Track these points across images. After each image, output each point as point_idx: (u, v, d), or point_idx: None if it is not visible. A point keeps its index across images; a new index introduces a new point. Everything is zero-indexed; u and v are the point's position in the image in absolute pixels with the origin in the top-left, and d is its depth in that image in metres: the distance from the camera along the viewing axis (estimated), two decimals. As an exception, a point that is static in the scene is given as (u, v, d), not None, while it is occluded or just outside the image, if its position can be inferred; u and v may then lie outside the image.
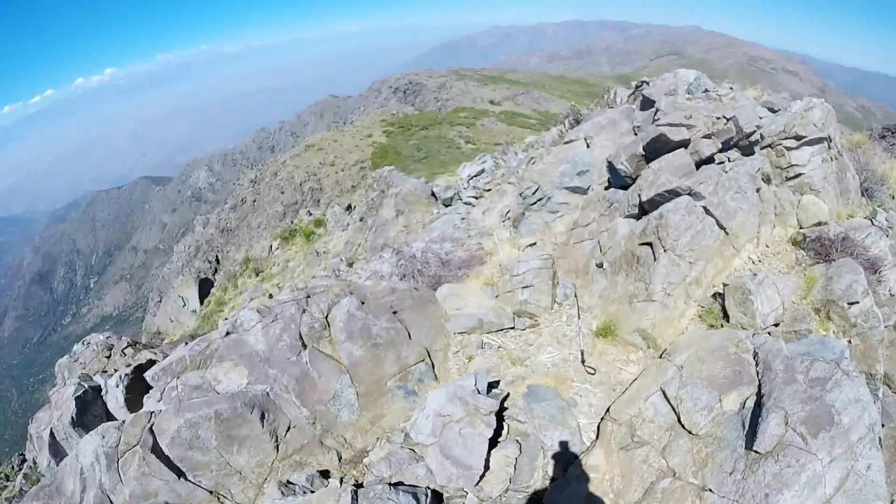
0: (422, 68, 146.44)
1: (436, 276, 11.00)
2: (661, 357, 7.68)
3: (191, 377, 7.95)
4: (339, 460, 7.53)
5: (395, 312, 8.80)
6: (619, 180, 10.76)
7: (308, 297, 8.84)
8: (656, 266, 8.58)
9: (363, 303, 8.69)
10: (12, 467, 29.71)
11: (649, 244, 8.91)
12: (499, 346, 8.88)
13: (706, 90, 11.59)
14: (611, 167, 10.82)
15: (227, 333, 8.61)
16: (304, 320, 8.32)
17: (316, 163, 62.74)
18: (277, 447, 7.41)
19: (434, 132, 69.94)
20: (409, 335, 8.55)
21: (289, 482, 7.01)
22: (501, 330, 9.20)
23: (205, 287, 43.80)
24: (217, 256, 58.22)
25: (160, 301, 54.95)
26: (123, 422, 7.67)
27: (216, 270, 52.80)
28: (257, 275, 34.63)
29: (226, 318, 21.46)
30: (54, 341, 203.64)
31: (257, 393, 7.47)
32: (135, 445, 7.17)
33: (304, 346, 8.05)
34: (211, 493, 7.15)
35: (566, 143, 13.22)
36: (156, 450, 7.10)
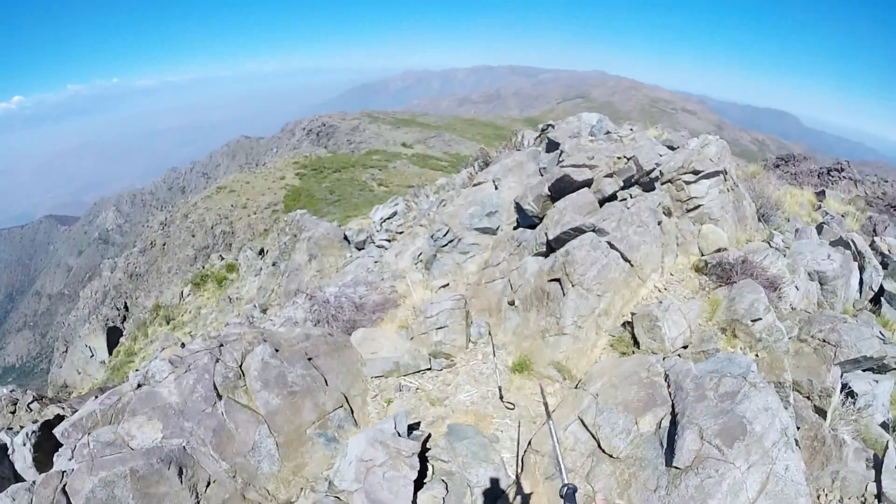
0: (335, 110, 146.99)
1: (350, 321, 10.98)
2: (576, 387, 7.85)
3: (102, 433, 7.55)
4: None
5: (310, 359, 8.72)
6: (526, 220, 11.15)
7: (221, 345, 8.63)
8: (566, 301, 8.84)
9: (277, 350, 8.58)
10: None
11: (558, 280, 9.19)
12: (417, 388, 8.90)
13: (608, 132, 12.19)
14: (518, 208, 11.19)
15: (139, 385, 8.29)
16: (217, 370, 8.11)
17: (228, 205, 61.62)
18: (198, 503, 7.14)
19: (347, 175, 70.00)
20: (326, 381, 8.47)
21: None
22: (418, 371, 9.25)
23: (113, 336, 42.00)
24: (126, 303, 56.00)
25: (66, 351, 52.20)
26: (34, 483, 7.24)
27: (125, 318, 50.77)
28: (168, 322, 33.63)
29: (136, 370, 20.63)
30: None
31: (173, 448, 7.17)
32: None
33: (220, 396, 7.84)
34: None
35: (475, 185, 13.55)
36: None
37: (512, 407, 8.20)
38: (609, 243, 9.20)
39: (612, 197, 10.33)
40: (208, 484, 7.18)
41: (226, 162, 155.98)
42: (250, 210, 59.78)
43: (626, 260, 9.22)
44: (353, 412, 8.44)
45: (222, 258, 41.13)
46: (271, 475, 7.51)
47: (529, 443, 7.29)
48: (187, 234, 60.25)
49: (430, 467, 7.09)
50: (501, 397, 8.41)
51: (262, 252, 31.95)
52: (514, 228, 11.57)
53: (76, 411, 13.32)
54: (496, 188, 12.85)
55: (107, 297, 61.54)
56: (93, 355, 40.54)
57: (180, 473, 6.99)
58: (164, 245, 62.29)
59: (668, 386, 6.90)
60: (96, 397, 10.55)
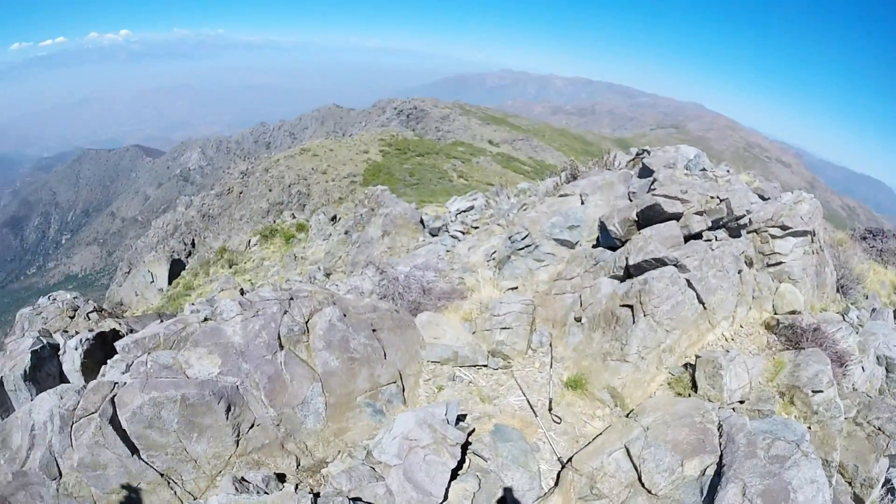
0: (428, 96, 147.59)
1: (416, 303, 11.10)
2: (627, 416, 7.86)
3: (162, 355, 7.84)
4: (297, 466, 7.51)
5: (374, 330, 8.85)
6: (608, 240, 11.01)
7: (291, 298, 8.87)
8: (634, 329, 8.78)
9: (345, 315, 8.74)
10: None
11: (630, 307, 9.13)
12: (470, 382, 8.97)
13: (703, 168, 11.94)
14: (602, 227, 11.05)
15: (206, 319, 8.59)
16: (284, 321, 8.34)
17: (308, 168, 62.67)
18: (238, 442, 7.37)
19: (429, 161, 70.33)
20: (385, 355, 8.60)
21: (243, 479, 6.93)
22: (475, 366, 9.31)
23: (175, 268, 43.40)
24: (194, 240, 57.75)
25: (128, 272, 54.41)
26: (84, 386, 7.56)
27: (190, 254, 52.35)
28: (230, 266, 34.50)
29: (192, 303, 21.31)
30: (14, 290, 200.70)
31: (227, 384, 7.45)
32: (93, 413, 7.03)
33: (282, 346, 8.07)
34: (162, 475, 7.05)
35: (561, 195, 13.45)
36: (114, 422, 6.98)
37: (559, 421, 8.24)
38: (688, 281, 9.09)
39: (698, 235, 10.12)
40: (252, 426, 7.45)
41: (314, 126, 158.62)
42: (329, 176, 60.68)
43: (700, 301, 9.10)
44: (404, 390, 8.60)
45: (294, 217, 41.96)
46: (313, 432, 7.74)
47: (570, 460, 7.32)
48: (264, 188, 61.57)
49: (467, 460, 7.15)
50: (550, 409, 8.44)
51: (334, 218, 32.46)
52: (594, 246, 11.49)
53: (132, 329, 13.96)
54: (582, 203, 12.77)
55: (177, 231, 63.54)
56: (153, 281, 42.03)
57: (228, 410, 7.25)
58: (240, 193, 63.78)
59: (720, 436, 6.84)
60: (161, 321, 10.97)
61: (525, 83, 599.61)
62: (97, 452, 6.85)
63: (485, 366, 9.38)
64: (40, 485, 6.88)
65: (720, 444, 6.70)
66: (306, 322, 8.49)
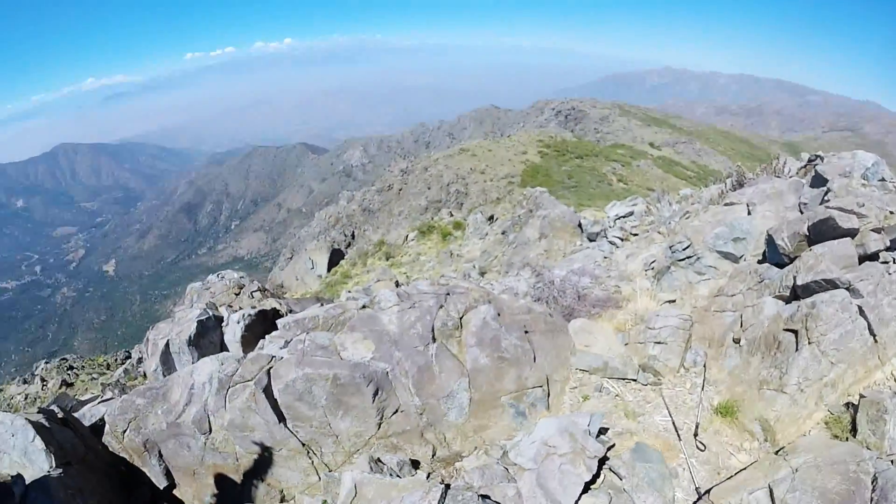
0: (586, 96, 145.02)
1: (569, 308, 11.04)
2: (776, 453, 7.30)
3: (319, 336, 8.50)
4: (433, 456, 7.83)
5: (526, 332, 8.94)
6: (775, 256, 10.19)
7: (448, 294, 9.18)
8: (796, 357, 8.08)
9: (499, 314, 8.90)
10: (116, 360, 32.46)
11: (794, 332, 8.42)
12: (616, 395, 8.79)
13: (883, 178, 10.87)
14: (769, 241, 10.18)
15: (363, 307, 9.19)
16: (439, 315, 8.65)
17: (467, 167, 63.63)
18: (379, 425, 7.79)
19: (588, 163, 69.22)
20: (535, 358, 8.67)
21: (379, 460, 7.39)
22: (623, 379, 9.08)
23: (335, 257, 45.96)
24: (354, 232, 60.51)
25: (291, 258, 58.19)
26: (244, 356, 8.41)
27: (349, 244, 55.00)
28: (387, 259, 35.86)
29: (349, 291, 22.45)
30: (186, 266, 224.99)
31: (378, 369, 7.88)
32: (249, 380, 7.80)
33: (434, 339, 8.37)
34: (303, 445, 7.70)
35: (726, 204, 12.72)
36: (267, 391, 7.71)
37: (703, 448, 7.81)
38: (860, 308, 8.17)
39: (874, 256, 8.95)
40: (395, 412, 7.84)
41: (472, 126, 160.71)
42: (487, 176, 61.29)
43: (871, 333, 8.09)
44: (549, 395, 8.61)
45: (452, 215, 42.96)
46: (454, 425, 7.99)
47: (708, 492, 6.96)
48: (423, 186, 63.24)
49: (602, 475, 7.01)
50: (696, 434, 8.02)
51: (491, 218, 32.96)
52: (759, 262, 10.71)
53: (291, 310, 15.03)
54: (749, 213, 12.00)
55: (338, 223, 66.66)
56: (313, 267, 44.75)
57: (375, 393, 7.67)
58: (400, 190, 65.88)
59: (873, 490, 6.13)
60: (321, 304, 11.83)
61: (686, 81, 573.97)
62: (247, 416, 7.60)
63: (634, 380, 9.10)
64: (191, 437, 7.74)
65: (871, 500, 6.06)
66: (460, 318, 8.73)
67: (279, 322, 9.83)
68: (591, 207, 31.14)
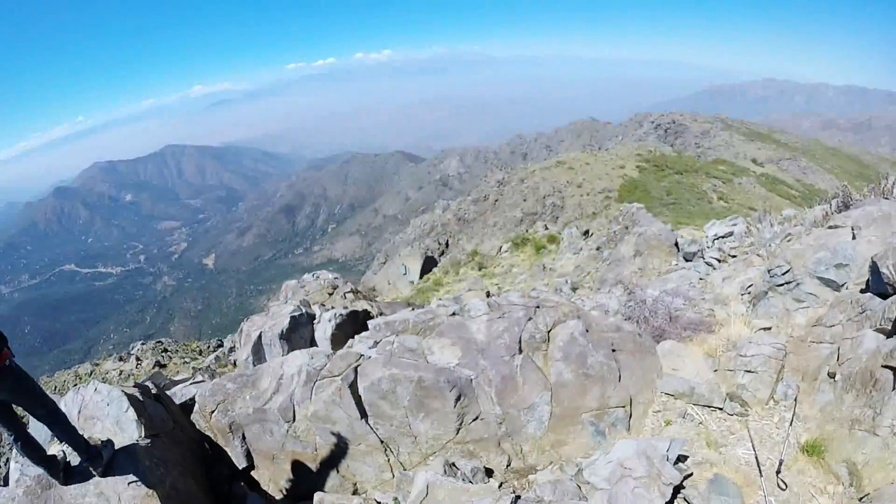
0: (686, 109, 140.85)
1: (660, 329, 10.79)
2: (860, 500, 6.83)
3: (408, 339, 8.72)
4: (507, 466, 7.85)
5: (613, 350, 8.81)
6: (879, 286, 9.19)
7: (538, 307, 9.23)
8: (892, 396, 7.38)
9: (587, 330, 8.84)
10: (208, 347, 34.00)
11: (892, 369, 7.65)
12: (700, 423, 8.47)
13: None
14: (874, 268, 9.26)
15: (453, 314, 9.33)
16: (527, 327, 8.70)
17: (563, 180, 63.05)
18: (458, 430, 7.88)
19: (688, 179, 67.19)
20: (620, 377, 8.54)
21: (454, 464, 7.47)
22: (709, 407, 8.72)
23: (428, 264, 46.60)
24: (447, 241, 61.08)
25: (384, 263, 59.39)
26: (333, 352, 8.77)
27: (443, 253, 55.56)
28: (480, 269, 35.98)
29: (439, 298, 22.68)
30: (281, 264, 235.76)
31: (462, 376, 7.99)
32: (336, 376, 8.13)
33: (521, 350, 8.41)
34: (381, 442, 7.89)
35: (830, 227, 11.98)
36: (353, 387, 8.00)
37: (784, 488, 7.35)
38: None
39: None
40: (475, 419, 7.89)
41: (569, 139, 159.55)
42: (584, 190, 60.48)
43: None
44: (630, 417, 8.45)
45: (546, 228, 42.75)
46: (531, 438, 7.97)
47: None
48: (519, 197, 63.12)
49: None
50: (778, 472, 7.53)
51: (586, 233, 32.57)
52: (862, 291, 9.78)
53: (381, 312, 15.42)
54: (853, 237, 11.12)
55: (433, 231, 67.48)
56: (405, 273, 45.51)
57: (457, 399, 7.76)
58: (495, 201, 65.96)
59: None
60: (412, 309, 12.08)
61: (791, 94, 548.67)
62: (331, 409, 7.88)
63: (720, 409, 8.71)
64: (274, 423, 8.09)
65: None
66: (548, 331, 8.75)
67: (370, 323, 10.15)
68: (689, 226, 30.25)
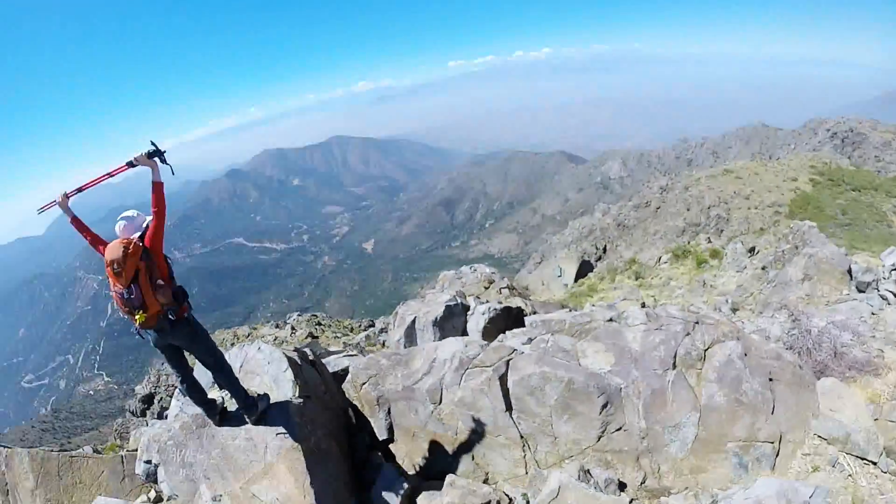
0: (863, 114, 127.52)
1: (822, 364, 10.04)
2: None
3: (563, 340, 8.86)
4: (641, 483, 7.67)
5: (770, 380, 8.38)
6: None
7: (697, 323, 9.00)
8: None
9: (745, 354, 8.50)
10: (360, 325, 35.42)
11: None
12: (850, 475, 7.70)
13: None
14: None
15: (610, 320, 9.22)
16: (684, 343, 8.50)
17: (730, 191, 59.78)
18: (599, 438, 7.84)
19: (866, 197, 61.07)
20: (773, 410, 8.10)
21: (588, 472, 7.47)
22: (862, 459, 7.88)
23: (584, 268, 46.20)
24: (605, 246, 60.03)
25: (539, 262, 59.39)
26: (488, 343, 9.05)
27: (600, 258, 54.76)
28: (636, 279, 35.08)
29: (592, 304, 22.33)
30: (437, 255, 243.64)
31: (612, 383, 7.99)
32: (488, 366, 8.37)
33: (674, 366, 8.24)
34: (521, 437, 8.02)
35: None
36: (502, 379, 8.21)
37: None
38: None
39: None
40: (618, 429, 7.84)
41: (738, 146, 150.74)
42: (752, 203, 56.87)
43: None
44: (777, 455, 7.92)
45: (710, 241, 40.95)
46: (671, 459, 7.75)
47: None
48: (682, 206, 60.67)
49: None
50: None
51: (752, 250, 30.81)
52: None
53: (535, 311, 15.41)
54: None
55: (591, 234, 66.55)
56: (560, 275, 45.20)
57: (604, 406, 7.78)
58: (657, 209, 63.83)
59: None
60: (570, 311, 12.05)
61: None
62: (478, 398, 8.12)
63: (874, 463, 7.82)
64: (421, 403, 8.50)
65: None
66: (705, 350, 8.47)
67: (527, 319, 10.30)
68: (864, 251, 27.74)
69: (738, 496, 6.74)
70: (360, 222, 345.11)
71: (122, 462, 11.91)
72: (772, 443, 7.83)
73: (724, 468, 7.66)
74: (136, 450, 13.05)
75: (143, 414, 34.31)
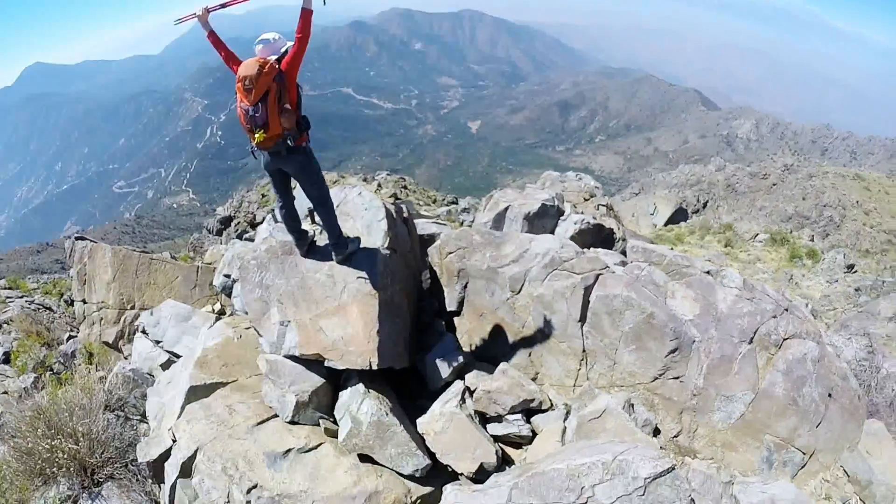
0: None
1: (875, 406, 9.53)
2: None
3: (657, 274, 8.64)
4: (673, 437, 7.73)
5: (829, 395, 8.05)
6: None
7: (786, 310, 8.57)
8: None
9: (818, 360, 8.18)
10: (444, 199, 35.95)
11: None
12: None
13: None
14: None
15: (708, 272, 8.97)
16: (768, 323, 8.20)
17: (853, 198, 53.84)
18: (654, 378, 7.87)
19: None
20: (819, 424, 7.88)
21: (633, 406, 7.60)
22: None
23: (677, 215, 45.83)
24: (707, 202, 57.89)
25: (637, 194, 59.15)
26: (583, 251, 9.16)
27: (697, 211, 53.23)
28: (726, 246, 33.88)
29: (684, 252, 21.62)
30: (539, 154, 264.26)
31: (688, 333, 7.87)
32: (576, 273, 8.42)
33: (751, 342, 8.01)
34: (584, 351, 8.19)
35: None
36: (587, 290, 8.23)
37: None
38: None
39: None
40: (676, 377, 7.86)
41: (880, 155, 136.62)
42: (870, 220, 51.65)
43: None
44: (803, 466, 7.82)
45: (812, 240, 38.47)
46: (710, 425, 7.76)
47: None
48: (798, 193, 56.26)
49: None
50: None
51: (851, 267, 28.94)
52: None
53: (624, 238, 15.12)
54: None
55: (697, 184, 62.92)
56: (653, 213, 46.04)
57: (672, 351, 7.88)
58: (773, 185, 59.62)
59: None
60: (672, 248, 11.87)
61: None
62: (556, 300, 8.25)
63: None
64: (500, 287, 8.74)
65: None
66: (784, 339, 8.22)
67: (630, 242, 10.05)
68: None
69: (755, 487, 6.84)
70: (472, 101, 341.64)
71: (197, 272, 12.79)
72: (804, 453, 7.79)
73: (752, 455, 7.72)
74: (211, 263, 13.91)
75: (220, 234, 36.30)
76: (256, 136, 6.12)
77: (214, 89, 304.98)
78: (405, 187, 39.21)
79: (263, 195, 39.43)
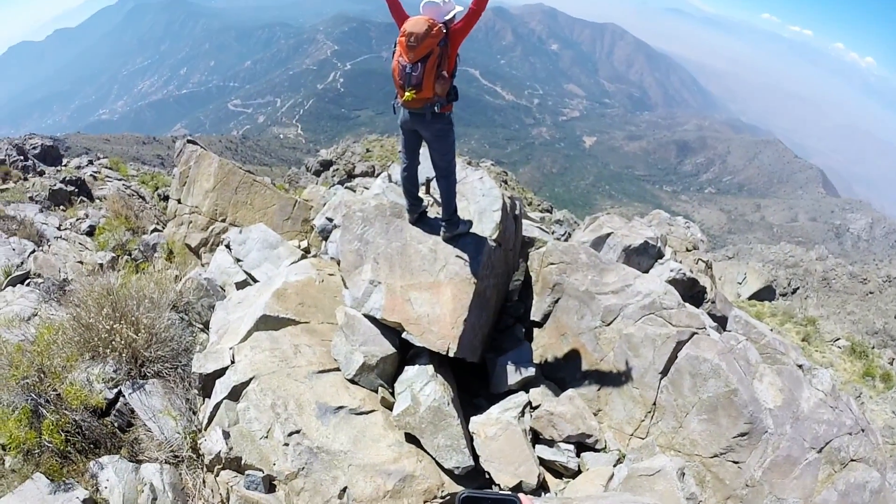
0: None
1: None
2: None
3: (752, 351, 7.92)
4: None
5: None
6: None
7: (863, 430, 8.04)
8: None
9: (878, 492, 7.68)
10: (539, 205, 35.56)
11: None
12: None
13: None
14: None
15: (800, 366, 8.48)
16: (842, 440, 7.71)
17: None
18: (714, 455, 7.47)
19: None
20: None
21: (684, 475, 7.09)
22: None
23: (763, 292, 42.82)
24: (797, 289, 55.18)
25: (731, 258, 55.99)
26: (684, 305, 8.48)
27: (784, 295, 50.85)
28: (803, 340, 32.45)
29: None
30: (644, 188, 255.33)
31: (764, 421, 7.35)
32: (672, 325, 8.15)
33: (820, 451, 7.54)
34: (654, 404, 7.83)
35: None
36: (678, 345, 7.87)
37: None
38: None
39: None
40: (735, 462, 7.44)
41: None
42: None
43: None
44: None
45: (892, 363, 37.01)
46: None
47: None
48: (894, 309, 54.63)
49: None
50: None
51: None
52: None
53: (714, 301, 14.58)
54: None
55: (793, 268, 60.37)
56: (741, 283, 42.74)
57: (742, 434, 7.53)
58: (868, 293, 56.99)
59: None
60: (772, 330, 11.43)
61: None
62: (645, 344, 8.01)
63: None
64: (592, 313, 8.53)
65: None
66: (851, 459, 7.62)
67: (735, 312, 9.84)
68: None
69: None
70: (593, 116, 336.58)
71: (294, 206, 12.92)
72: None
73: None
74: (309, 201, 14.06)
75: (317, 174, 37.03)
76: (407, 93, 6.02)
77: (347, 38, 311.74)
78: (506, 181, 39.02)
79: (368, 150, 39.95)
